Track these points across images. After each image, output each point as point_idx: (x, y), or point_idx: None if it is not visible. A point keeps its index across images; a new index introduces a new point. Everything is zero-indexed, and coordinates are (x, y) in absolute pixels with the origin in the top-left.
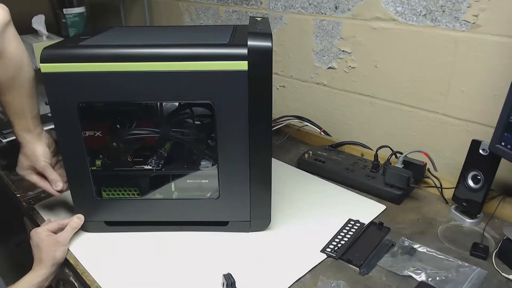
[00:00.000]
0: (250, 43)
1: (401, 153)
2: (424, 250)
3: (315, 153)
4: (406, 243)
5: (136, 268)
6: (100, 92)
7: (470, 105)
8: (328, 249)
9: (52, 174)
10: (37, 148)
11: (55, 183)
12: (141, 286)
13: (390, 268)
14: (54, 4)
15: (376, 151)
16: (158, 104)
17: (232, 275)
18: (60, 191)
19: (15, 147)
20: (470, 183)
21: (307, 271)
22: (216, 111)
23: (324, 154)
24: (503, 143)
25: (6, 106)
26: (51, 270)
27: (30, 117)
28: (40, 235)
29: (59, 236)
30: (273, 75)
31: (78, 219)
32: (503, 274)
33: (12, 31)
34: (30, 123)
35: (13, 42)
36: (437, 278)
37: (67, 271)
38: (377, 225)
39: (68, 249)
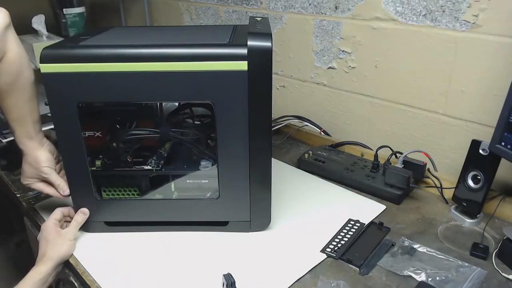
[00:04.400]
0: (250, 43)
1: (401, 153)
2: (424, 250)
3: (315, 153)
4: (406, 243)
5: (136, 268)
6: (100, 92)
7: (470, 105)
8: (328, 249)
9: (57, 180)
10: (39, 155)
11: (62, 188)
12: (141, 286)
13: (390, 268)
14: (54, 4)
15: (376, 151)
16: (158, 104)
17: (232, 275)
18: (68, 196)
19: (15, 147)
20: (470, 183)
21: (307, 271)
22: (216, 111)
23: (324, 154)
24: (503, 143)
25: (6, 112)
26: (54, 265)
27: (31, 123)
28: (48, 228)
29: (64, 231)
30: (273, 75)
31: (82, 214)
32: (503, 274)
33: (12, 34)
34: (31, 129)
35: (13, 45)
36: (437, 278)
37: (67, 271)
38: (377, 225)
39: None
